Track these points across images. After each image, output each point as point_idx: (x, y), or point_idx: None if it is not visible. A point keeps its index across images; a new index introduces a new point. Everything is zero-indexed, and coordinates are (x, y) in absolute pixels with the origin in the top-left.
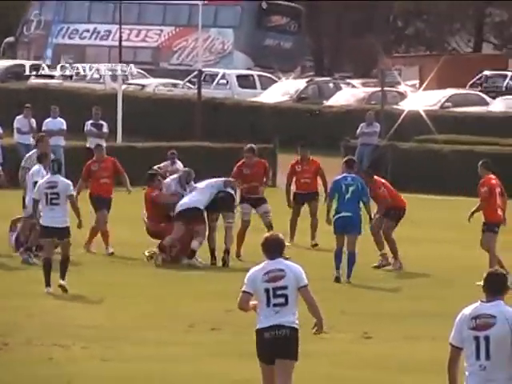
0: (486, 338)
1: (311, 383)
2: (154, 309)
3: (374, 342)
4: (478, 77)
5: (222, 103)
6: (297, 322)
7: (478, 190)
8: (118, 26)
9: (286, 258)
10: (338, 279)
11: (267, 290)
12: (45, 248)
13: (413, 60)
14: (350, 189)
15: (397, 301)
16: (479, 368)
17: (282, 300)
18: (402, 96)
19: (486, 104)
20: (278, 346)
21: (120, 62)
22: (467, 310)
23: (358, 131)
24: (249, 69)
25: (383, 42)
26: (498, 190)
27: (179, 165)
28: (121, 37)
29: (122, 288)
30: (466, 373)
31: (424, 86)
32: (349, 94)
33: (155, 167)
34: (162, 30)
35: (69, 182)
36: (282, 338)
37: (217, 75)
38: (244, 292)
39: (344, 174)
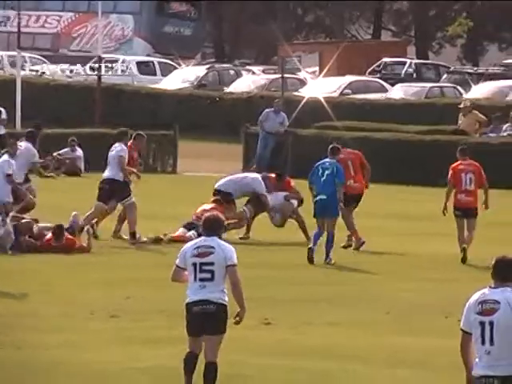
0: (491, 323)
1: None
2: (53, 296)
3: (274, 328)
4: (377, 64)
5: (122, 90)
6: (225, 298)
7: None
8: (16, 12)
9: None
10: (310, 249)
11: (195, 265)
12: None
13: (313, 47)
14: (326, 172)
15: (298, 286)
16: (484, 353)
17: (208, 275)
18: (302, 83)
19: (385, 91)
20: (205, 322)
21: (18, 48)
22: (476, 296)
23: (261, 117)
24: (149, 55)
25: (283, 29)
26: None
27: (79, 152)
28: (19, 23)
29: (20, 275)
30: (476, 359)
31: (324, 72)
32: (249, 80)
33: (55, 154)
34: (61, 16)
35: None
36: (210, 314)
37: (117, 61)
38: (176, 266)
39: (325, 160)
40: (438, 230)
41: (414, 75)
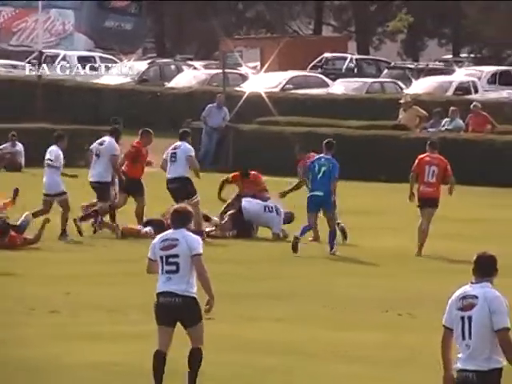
0: (469, 318)
1: (150, 365)
2: None
3: (215, 324)
4: (318, 59)
5: (63, 85)
6: (191, 290)
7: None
8: None
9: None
10: (296, 237)
11: (161, 258)
12: None
13: (254, 42)
14: (323, 169)
15: (242, 281)
16: (465, 347)
17: (173, 267)
18: (244, 78)
19: (326, 86)
20: (171, 313)
21: None
22: (458, 292)
23: (204, 113)
24: (90, 50)
25: (224, 24)
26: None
27: (20, 147)
28: None
29: None
30: (458, 354)
31: (265, 68)
32: (190, 75)
33: None
34: (0, 11)
35: None
36: (176, 307)
37: (57, 56)
38: (148, 259)
39: (320, 155)
40: (382, 225)
41: (355, 70)
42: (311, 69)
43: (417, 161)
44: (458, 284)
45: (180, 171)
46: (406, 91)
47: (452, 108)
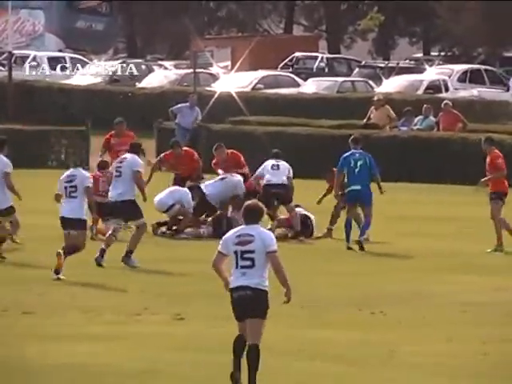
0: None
1: (125, 365)
2: None
3: (186, 323)
4: (289, 58)
5: (33, 86)
6: (264, 283)
7: (490, 163)
8: None
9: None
10: (350, 249)
11: (236, 253)
12: None
13: (225, 41)
14: (359, 163)
15: (213, 281)
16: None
17: (248, 263)
18: (215, 78)
19: (297, 85)
20: (244, 306)
21: None
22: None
23: (175, 109)
24: (60, 51)
25: (195, 23)
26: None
27: None
28: None
29: None
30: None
31: (236, 67)
32: (161, 75)
33: None
34: None
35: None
36: (247, 299)
37: (28, 57)
38: (219, 252)
39: (352, 151)
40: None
41: (326, 69)
42: (282, 68)
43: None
44: (430, 282)
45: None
46: (376, 90)
47: (425, 106)
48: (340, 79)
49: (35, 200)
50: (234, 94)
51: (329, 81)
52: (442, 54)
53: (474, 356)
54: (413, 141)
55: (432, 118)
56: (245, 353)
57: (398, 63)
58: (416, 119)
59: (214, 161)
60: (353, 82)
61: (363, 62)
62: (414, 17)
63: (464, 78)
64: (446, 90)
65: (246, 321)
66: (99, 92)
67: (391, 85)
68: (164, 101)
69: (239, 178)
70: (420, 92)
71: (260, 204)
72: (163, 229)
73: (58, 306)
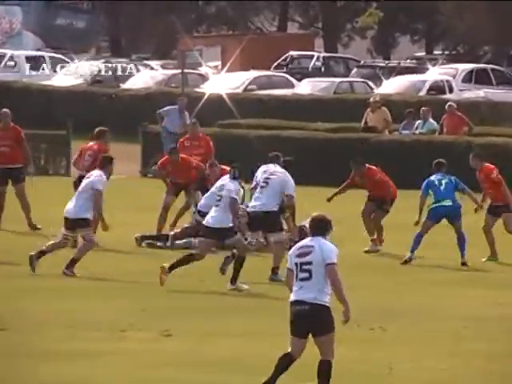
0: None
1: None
2: None
3: (175, 340)
4: (283, 58)
5: (10, 87)
6: (322, 298)
7: (486, 179)
8: None
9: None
10: (409, 259)
11: (296, 265)
12: None
13: (214, 40)
14: (443, 181)
15: (200, 295)
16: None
17: (306, 275)
18: (204, 78)
19: (292, 86)
20: (303, 323)
21: None
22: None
23: (163, 112)
24: (39, 50)
25: (183, 21)
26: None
27: None
28: None
29: None
30: None
31: (226, 67)
32: (147, 76)
33: None
34: None
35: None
36: (306, 315)
37: (4, 56)
38: (288, 269)
39: (434, 175)
40: (346, 234)
41: (322, 69)
42: (275, 68)
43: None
44: (431, 295)
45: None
46: (376, 91)
47: (423, 108)
48: (337, 80)
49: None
50: (225, 96)
51: (325, 81)
52: (446, 52)
53: (477, 373)
54: (415, 145)
55: (432, 121)
56: (286, 371)
57: (398, 63)
58: (416, 123)
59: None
60: (351, 82)
61: (362, 62)
62: (416, 13)
63: (469, 78)
64: (450, 90)
65: (314, 340)
66: (81, 94)
67: (392, 86)
68: (150, 103)
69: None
70: (422, 93)
71: (327, 216)
72: (150, 240)
73: (39, 321)
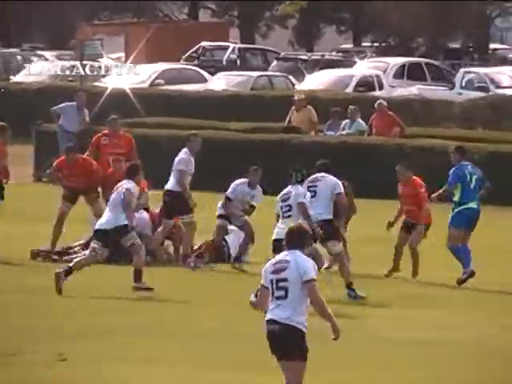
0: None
1: None
2: None
3: (71, 365)
4: (194, 49)
5: None
6: (296, 318)
7: (406, 192)
8: None
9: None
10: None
11: (272, 282)
12: None
13: (118, 29)
14: (474, 177)
15: (97, 316)
16: None
17: (282, 293)
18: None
19: (204, 81)
20: (274, 344)
21: None
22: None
23: (59, 109)
24: None
25: (82, 6)
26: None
27: None
28: None
29: None
30: None
31: (131, 59)
32: (41, 68)
33: None
34: None
35: None
36: (277, 336)
37: None
38: (261, 285)
39: (462, 162)
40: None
41: (238, 62)
42: (186, 60)
43: None
44: (363, 315)
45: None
46: (298, 87)
47: (351, 107)
48: (255, 74)
49: None
50: (129, 91)
51: (241, 76)
52: (376, 44)
53: None
54: (341, 147)
55: (361, 121)
56: None
57: (323, 55)
58: (342, 123)
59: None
60: (270, 77)
61: (282, 54)
62: (342, 1)
63: (401, 73)
64: (380, 87)
65: (280, 364)
66: None
67: (315, 81)
68: (44, 98)
69: None
70: (349, 90)
71: (304, 226)
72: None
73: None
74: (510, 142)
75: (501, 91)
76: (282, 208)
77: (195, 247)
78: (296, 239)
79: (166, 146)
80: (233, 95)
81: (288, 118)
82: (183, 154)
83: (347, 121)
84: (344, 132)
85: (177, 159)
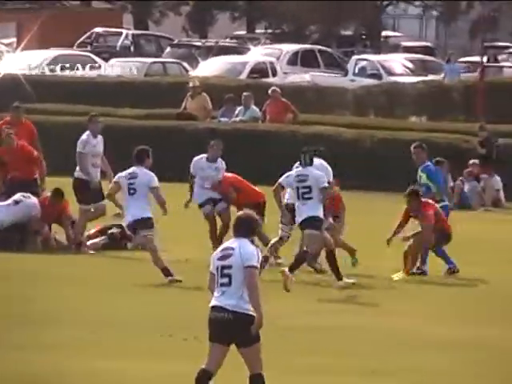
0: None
1: None
2: None
3: None
4: (87, 35)
5: None
6: (245, 306)
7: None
8: None
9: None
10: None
11: (217, 269)
12: None
13: (9, 14)
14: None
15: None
16: None
17: (226, 280)
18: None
19: (98, 67)
20: (224, 331)
21: None
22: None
23: None
24: None
25: None
26: None
27: None
28: None
29: None
30: None
31: (23, 45)
32: None
33: None
34: None
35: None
36: (228, 324)
37: None
38: (210, 272)
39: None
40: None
41: (132, 49)
42: (79, 46)
43: None
44: None
45: None
46: (192, 73)
47: (245, 94)
48: (148, 60)
49: None
50: (21, 77)
51: (135, 62)
52: (269, 31)
53: None
54: (235, 134)
55: (254, 108)
56: None
57: (216, 42)
58: (236, 110)
59: None
60: (164, 63)
61: (176, 41)
62: None
63: (295, 60)
64: (274, 74)
65: (239, 352)
66: None
67: (209, 67)
68: None
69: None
70: (243, 76)
71: (253, 215)
72: None
73: None
74: (402, 128)
75: (393, 78)
76: (298, 189)
77: (91, 232)
78: (243, 227)
79: (57, 133)
80: (126, 81)
81: (183, 105)
82: (84, 135)
83: (241, 107)
84: (238, 119)
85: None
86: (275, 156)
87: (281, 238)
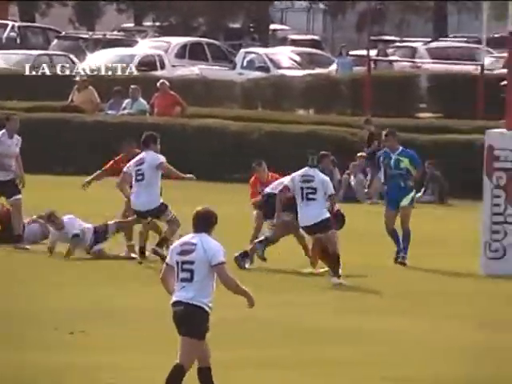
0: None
1: None
2: None
3: None
4: None
5: None
6: (202, 299)
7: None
8: None
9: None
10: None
11: (177, 263)
12: None
13: None
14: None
15: None
16: None
17: (187, 275)
18: None
19: None
20: (178, 323)
21: None
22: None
23: None
24: None
25: None
26: None
27: None
28: None
29: None
30: None
31: None
32: None
33: None
34: None
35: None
36: (181, 315)
37: None
38: (166, 264)
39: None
40: None
41: (18, 41)
42: None
43: None
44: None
45: None
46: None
47: (132, 86)
48: (35, 52)
49: None
50: None
51: (21, 54)
52: (157, 24)
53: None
54: (123, 127)
55: (142, 101)
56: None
57: (104, 34)
58: (124, 103)
59: None
60: (50, 55)
61: (63, 33)
62: None
63: (183, 53)
64: (162, 67)
65: (180, 338)
66: None
67: (97, 60)
68: None
69: None
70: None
71: (211, 210)
72: None
73: None
74: (289, 121)
75: (280, 71)
76: (302, 189)
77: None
78: (203, 223)
79: None
80: (12, 74)
81: (70, 98)
82: None
83: (129, 100)
84: (125, 111)
85: None
86: (163, 149)
87: (266, 238)
